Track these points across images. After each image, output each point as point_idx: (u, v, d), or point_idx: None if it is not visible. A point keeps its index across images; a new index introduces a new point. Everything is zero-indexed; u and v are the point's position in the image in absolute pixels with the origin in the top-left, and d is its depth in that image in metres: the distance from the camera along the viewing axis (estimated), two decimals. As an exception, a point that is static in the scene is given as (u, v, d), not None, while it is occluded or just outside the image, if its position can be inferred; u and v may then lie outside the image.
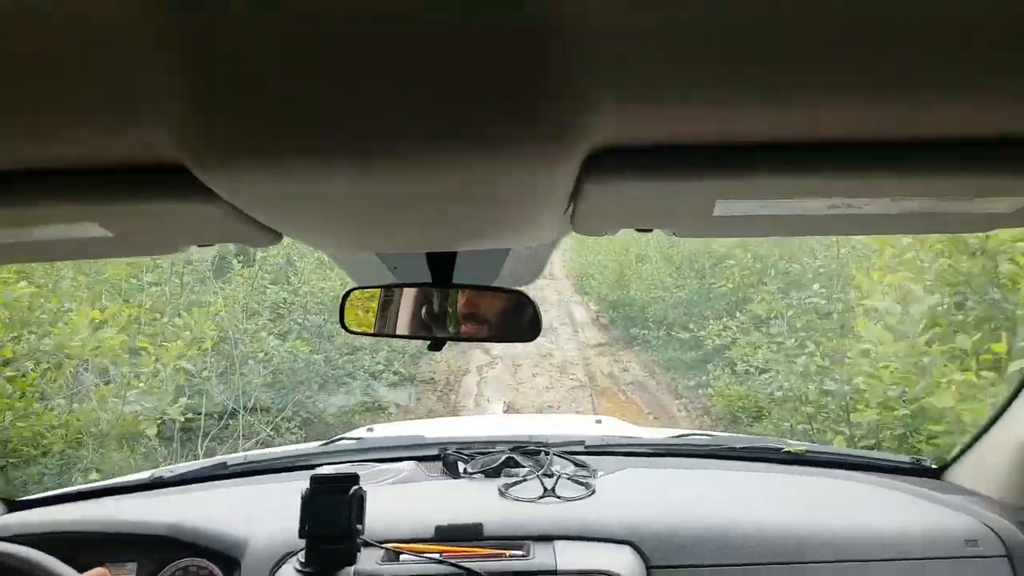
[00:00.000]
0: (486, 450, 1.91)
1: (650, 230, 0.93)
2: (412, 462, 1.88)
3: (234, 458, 1.97)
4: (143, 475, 1.92)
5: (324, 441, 2.14)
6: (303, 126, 0.50)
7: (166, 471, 1.93)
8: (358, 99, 0.47)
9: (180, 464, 2.10)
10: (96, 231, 0.75)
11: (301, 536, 1.36)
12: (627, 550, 1.41)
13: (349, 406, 6.76)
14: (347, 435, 2.20)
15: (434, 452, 1.95)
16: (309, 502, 1.36)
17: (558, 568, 1.35)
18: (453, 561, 1.37)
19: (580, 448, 1.92)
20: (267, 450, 2.38)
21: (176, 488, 1.83)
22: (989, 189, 0.68)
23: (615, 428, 2.29)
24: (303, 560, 1.38)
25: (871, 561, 1.42)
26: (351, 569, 1.36)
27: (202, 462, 1.98)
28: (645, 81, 0.47)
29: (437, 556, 1.39)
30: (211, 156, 0.54)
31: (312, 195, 0.64)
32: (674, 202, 0.72)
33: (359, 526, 1.37)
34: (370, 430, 2.34)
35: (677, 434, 2.07)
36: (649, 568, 1.40)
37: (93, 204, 0.66)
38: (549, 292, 12.46)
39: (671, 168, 0.62)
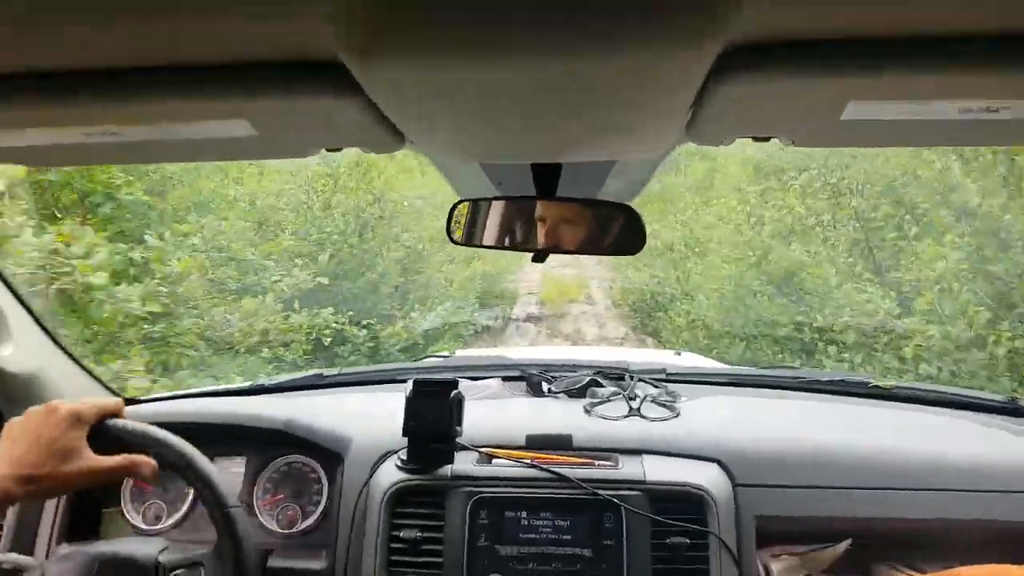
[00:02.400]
0: (569, 373, 1.95)
1: (767, 139, 0.92)
2: (497, 380, 1.95)
3: (329, 371, 2.07)
4: (244, 384, 2.05)
5: (414, 358, 2.22)
6: (456, 19, 0.52)
7: (265, 380, 2.05)
8: None
9: (279, 375, 2.23)
10: (243, 130, 0.78)
11: (404, 434, 1.44)
12: (714, 467, 1.45)
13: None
14: (434, 354, 2.28)
15: (517, 373, 2.00)
16: (412, 403, 1.43)
17: (647, 478, 1.40)
18: (544, 466, 1.43)
19: (662, 375, 1.95)
20: (360, 367, 2.49)
21: (278, 394, 1.94)
22: None
23: (696, 361, 2.30)
24: (404, 457, 1.46)
25: (961, 491, 1.42)
26: (449, 468, 1.44)
27: (300, 374, 2.09)
28: None
29: (529, 461, 1.45)
30: (367, 48, 0.57)
31: (446, 90, 0.67)
32: (804, 103, 0.70)
33: (458, 428, 1.44)
34: (452, 354, 2.42)
35: (761, 368, 2.07)
36: (736, 486, 1.43)
37: (241, 99, 0.70)
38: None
39: (805, 64, 0.61)
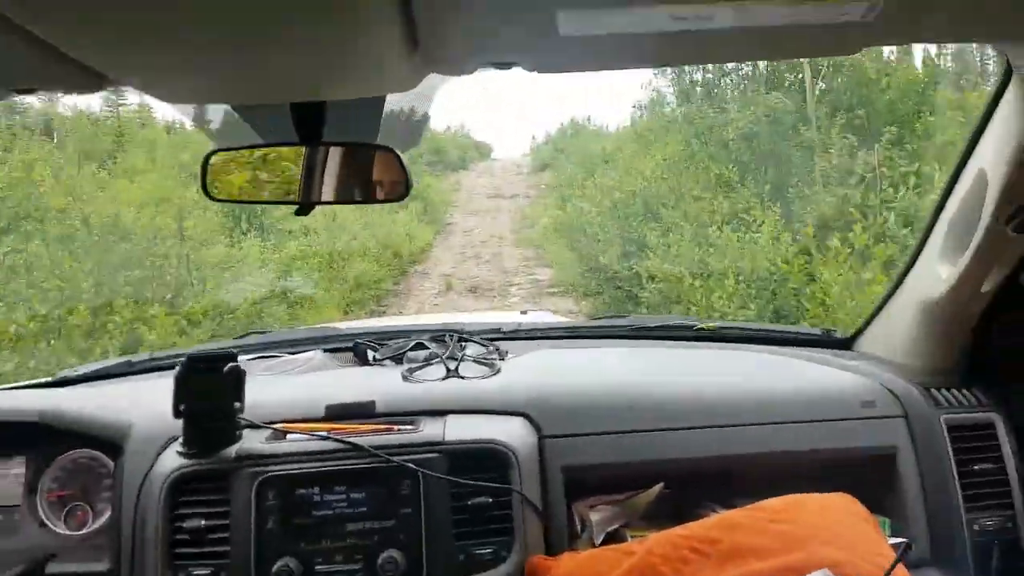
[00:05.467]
0: (399, 340, 1.86)
1: (508, 66, 0.87)
2: (320, 352, 1.83)
3: (139, 356, 1.91)
4: (48, 378, 1.86)
5: (236, 336, 2.08)
6: None
7: (70, 370, 1.86)
8: None
9: (90, 364, 2.04)
10: None
11: (176, 416, 1.30)
12: (519, 420, 1.39)
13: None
14: (256, 331, 2.14)
15: (347, 344, 1.90)
16: (183, 381, 1.30)
17: (445, 439, 1.32)
18: (339, 437, 1.33)
19: (496, 335, 1.88)
20: (173, 350, 2.33)
21: (80, 385, 1.77)
22: None
23: (539, 317, 2.25)
24: (183, 441, 1.33)
25: (768, 424, 1.41)
26: (233, 448, 1.32)
27: (109, 360, 1.92)
28: None
29: (324, 433, 1.35)
30: None
31: (114, 8, 0.56)
32: (518, 19, 0.68)
33: (237, 404, 1.32)
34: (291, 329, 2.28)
35: (593, 319, 2.04)
36: (542, 438, 1.37)
37: None
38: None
39: None
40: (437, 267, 11.01)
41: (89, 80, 0.75)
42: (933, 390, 1.49)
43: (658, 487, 1.41)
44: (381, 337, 1.89)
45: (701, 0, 0.64)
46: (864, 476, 1.41)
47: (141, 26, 0.61)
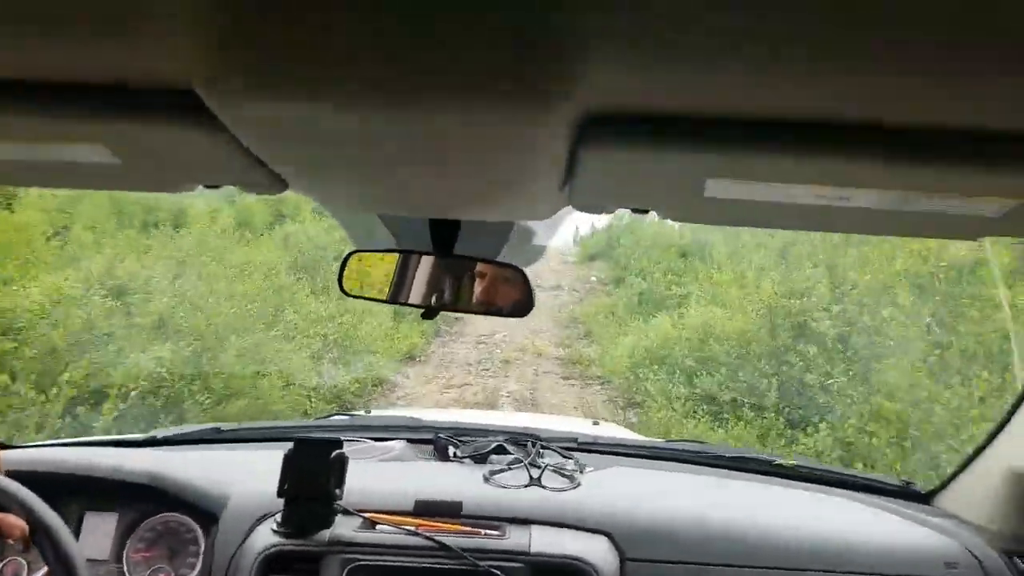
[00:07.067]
0: (478, 438, 1.90)
1: (646, 211, 0.94)
2: (403, 443, 1.88)
3: (227, 425, 1.99)
4: (138, 436, 1.94)
5: (321, 416, 2.15)
6: (314, 59, 0.51)
7: (161, 432, 1.94)
8: (368, 39, 0.48)
9: (175, 427, 2.12)
10: (101, 155, 0.76)
11: (280, 495, 1.36)
12: (603, 540, 1.40)
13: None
14: (343, 412, 2.20)
15: (428, 436, 1.94)
16: (291, 462, 1.37)
17: (531, 550, 1.34)
18: (428, 534, 1.36)
19: (572, 444, 1.91)
20: (261, 423, 2.40)
21: (168, 447, 1.84)
22: (975, 187, 0.68)
23: (611, 431, 2.27)
24: (279, 520, 1.38)
25: (850, 574, 1.39)
26: (327, 532, 1.36)
27: (197, 426, 1.99)
28: (635, 44, 0.48)
29: (413, 528, 1.38)
30: (219, 79, 0.55)
31: (315, 136, 0.65)
32: (667, 178, 0.73)
33: (338, 491, 1.37)
34: (368, 412, 2.35)
35: (670, 441, 2.05)
36: (624, 560, 1.38)
37: (96, 121, 0.67)
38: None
39: (664, 139, 0.62)
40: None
41: (273, 185, 0.84)
42: (1016, 558, 1.46)
43: None
44: (460, 432, 1.94)
45: (843, 184, 0.68)
46: None
47: (330, 150, 0.68)
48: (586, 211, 0.95)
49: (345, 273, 1.33)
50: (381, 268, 1.32)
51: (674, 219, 0.94)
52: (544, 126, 0.59)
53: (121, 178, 0.87)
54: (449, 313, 1.33)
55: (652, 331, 8.37)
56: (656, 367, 7.37)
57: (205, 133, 0.65)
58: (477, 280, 1.29)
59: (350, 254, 1.32)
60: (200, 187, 0.92)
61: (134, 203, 9.64)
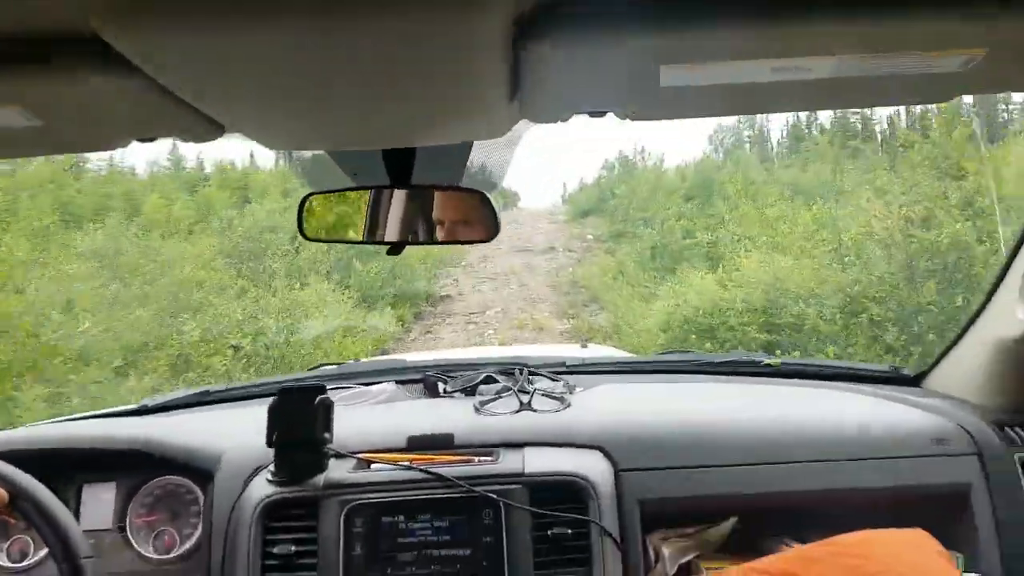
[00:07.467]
0: (466, 372, 1.91)
1: (603, 113, 0.91)
2: (393, 384, 1.89)
3: (216, 387, 1.99)
4: (129, 406, 1.94)
5: (309, 367, 2.15)
6: None
7: (150, 399, 1.94)
8: None
9: (167, 393, 2.12)
10: (20, 119, 0.72)
11: (269, 445, 1.37)
12: (596, 454, 1.42)
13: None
14: (329, 363, 2.21)
15: (417, 376, 1.95)
16: (276, 412, 1.37)
17: (525, 470, 1.36)
18: (422, 467, 1.38)
19: (561, 368, 1.92)
20: (249, 382, 2.41)
21: (160, 413, 1.85)
22: (933, 41, 0.65)
23: (600, 352, 2.28)
24: (272, 469, 1.39)
25: (840, 460, 1.42)
26: (321, 477, 1.37)
27: (186, 390, 1.99)
28: None
29: (407, 463, 1.40)
30: (115, 13, 0.51)
31: (239, 67, 0.62)
32: (617, 70, 0.70)
33: (327, 434, 1.38)
34: (356, 360, 2.35)
35: (659, 354, 2.07)
36: (618, 471, 1.40)
37: (7, 82, 0.63)
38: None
39: (610, 28, 0.60)
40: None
41: (208, 129, 0.80)
42: (1007, 428, 1.49)
43: (731, 521, 1.42)
44: (448, 369, 1.95)
45: (802, 53, 0.66)
46: (937, 513, 1.41)
47: (262, 81, 0.65)
48: (540, 120, 0.92)
49: (304, 217, 1.30)
50: (340, 208, 1.29)
51: (632, 118, 0.91)
52: (481, 23, 0.56)
53: (45, 140, 0.83)
54: (418, 248, 1.31)
55: (691, 293, 7.04)
56: (707, 342, 5.93)
57: (122, 80, 0.62)
58: (440, 210, 1.27)
59: (307, 197, 1.29)
60: (133, 141, 0.89)
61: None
